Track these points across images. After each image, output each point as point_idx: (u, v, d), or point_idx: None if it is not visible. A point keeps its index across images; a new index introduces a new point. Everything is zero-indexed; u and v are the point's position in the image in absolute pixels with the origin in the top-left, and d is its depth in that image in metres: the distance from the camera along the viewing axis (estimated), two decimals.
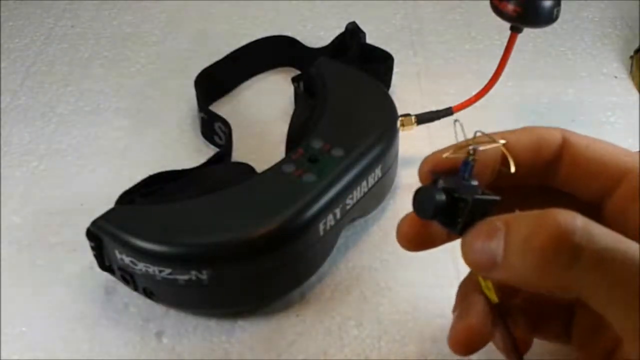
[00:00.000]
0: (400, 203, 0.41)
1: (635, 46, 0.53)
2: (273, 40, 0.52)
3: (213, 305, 0.34)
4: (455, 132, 0.25)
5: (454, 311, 0.29)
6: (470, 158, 0.24)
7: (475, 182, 0.24)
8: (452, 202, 0.24)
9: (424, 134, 0.45)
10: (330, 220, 0.34)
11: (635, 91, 0.51)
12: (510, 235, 0.22)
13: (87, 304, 0.35)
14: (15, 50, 0.54)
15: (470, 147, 0.24)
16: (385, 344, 0.34)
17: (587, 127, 0.47)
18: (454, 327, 0.27)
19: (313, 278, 0.36)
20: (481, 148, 0.24)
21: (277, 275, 0.34)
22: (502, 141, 0.25)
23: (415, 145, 0.44)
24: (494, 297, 0.26)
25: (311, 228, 0.33)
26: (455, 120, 0.25)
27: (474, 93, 0.41)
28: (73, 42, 0.55)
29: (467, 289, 0.28)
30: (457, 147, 0.25)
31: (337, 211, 0.35)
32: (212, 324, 0.35)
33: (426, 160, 0.26)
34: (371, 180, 0.37)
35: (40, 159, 0.44)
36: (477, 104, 0.42)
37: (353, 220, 0.38)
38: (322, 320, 0.35)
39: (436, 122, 0.43)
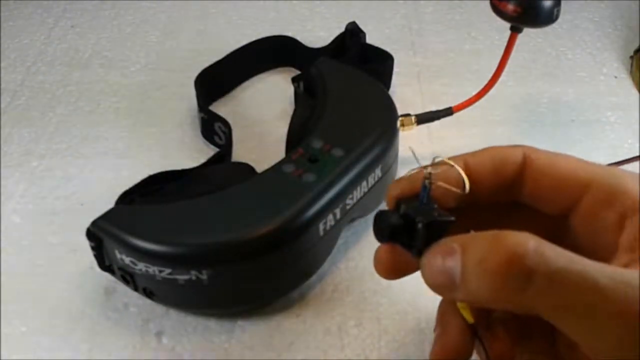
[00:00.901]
0: None
1: (635, 46, 0.53)
2: (273, 40, 0.52)
3: (213, 305, 0.34)
4: (415, 158, 0.26)
5: (434, 330, 0.29)
6: (427, 182, 0.25)
7: (434, 205, 0.25)
8: (411, 225, 0.25)
9: (424, 134, 0.45)
10: (330, 220, 0.34)
11: (635, 91, 0.51)
12: (466, 256, 0.22)
13: (87, 304, 0.35)
14: (15, 50, 0.54)
15: (426, 172, 0.25)
16: (385, 344, 0.34)
17: (587, 127, 0.47)
18: (433, 347, 0.27)
19: (313, 278, 0.36)
20: (433, 172, 0.25)
21: (277, 275, 0.34)
22: (452, 163, 0.26)
23: (415, 146, 0.44)
24: (469, 317, 0.27)
25: (311, 228, 0.33)
26: (410, 147, 0.28)
27: (474, 93, 0.41)
28: (73, 42, 0.55)
29: (445, 309, 0.28)
30: (415, 174, 0.26)
31: (337, 211, 0.35)
32: (212, 324, 0.35)
33: (390, 187, 0.27)
34: (371, 180, 0.37)
35: (40, 159, 0.44)
36: (477, 104, 0.42)
37: (353, 220, 0.38)
38: (322, 320, 0.35)
39: (436, 122, 0.43)
